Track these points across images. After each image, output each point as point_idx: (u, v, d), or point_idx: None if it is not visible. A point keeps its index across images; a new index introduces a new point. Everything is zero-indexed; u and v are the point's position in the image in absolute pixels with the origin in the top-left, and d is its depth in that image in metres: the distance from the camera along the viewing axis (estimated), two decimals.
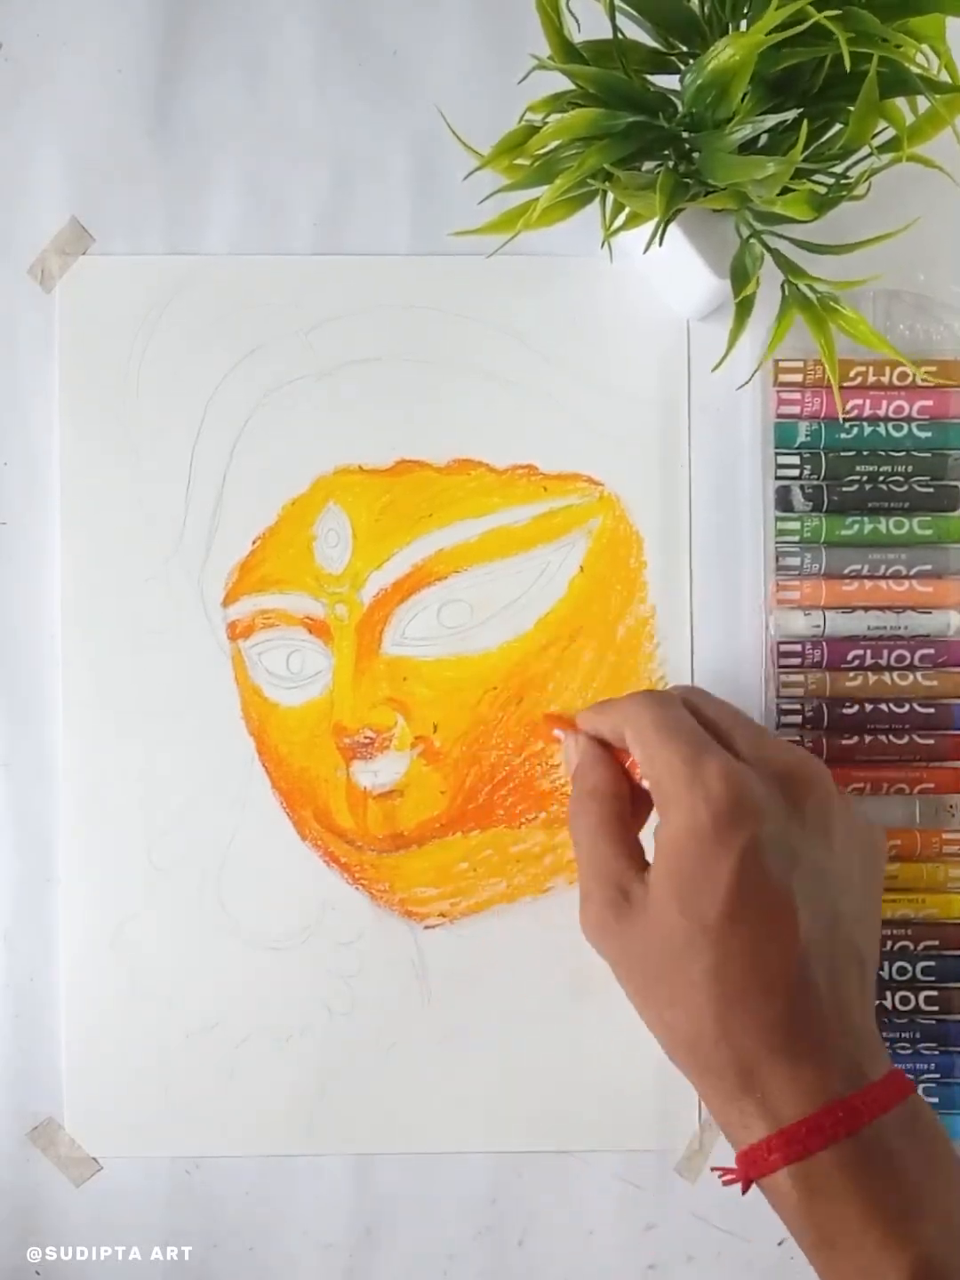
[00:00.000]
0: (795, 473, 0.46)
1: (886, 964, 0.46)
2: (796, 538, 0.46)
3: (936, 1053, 0.46)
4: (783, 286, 0.40)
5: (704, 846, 0.34)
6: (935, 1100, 0.45)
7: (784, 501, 0.46)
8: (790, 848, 0.35)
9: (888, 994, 0.46)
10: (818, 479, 0.46)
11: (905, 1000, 0.46)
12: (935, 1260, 0.31)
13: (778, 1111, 0.33)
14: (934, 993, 0.45)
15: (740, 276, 0.39)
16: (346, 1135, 0.47)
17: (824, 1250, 0.33)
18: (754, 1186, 0.34)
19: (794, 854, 0.35)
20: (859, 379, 0.46)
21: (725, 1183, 0.34)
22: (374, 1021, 0.47)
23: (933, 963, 0.46)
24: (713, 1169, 0.35)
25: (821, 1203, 0.32)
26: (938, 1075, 0.45)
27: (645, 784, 0.38)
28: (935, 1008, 0.46)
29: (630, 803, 0.39)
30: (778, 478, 0.47)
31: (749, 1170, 0.33)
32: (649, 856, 0.37)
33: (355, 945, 0.47)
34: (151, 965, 0.47)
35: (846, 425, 0.46)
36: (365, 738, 0.47)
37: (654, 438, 0.47)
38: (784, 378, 0.46)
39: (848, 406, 0.46)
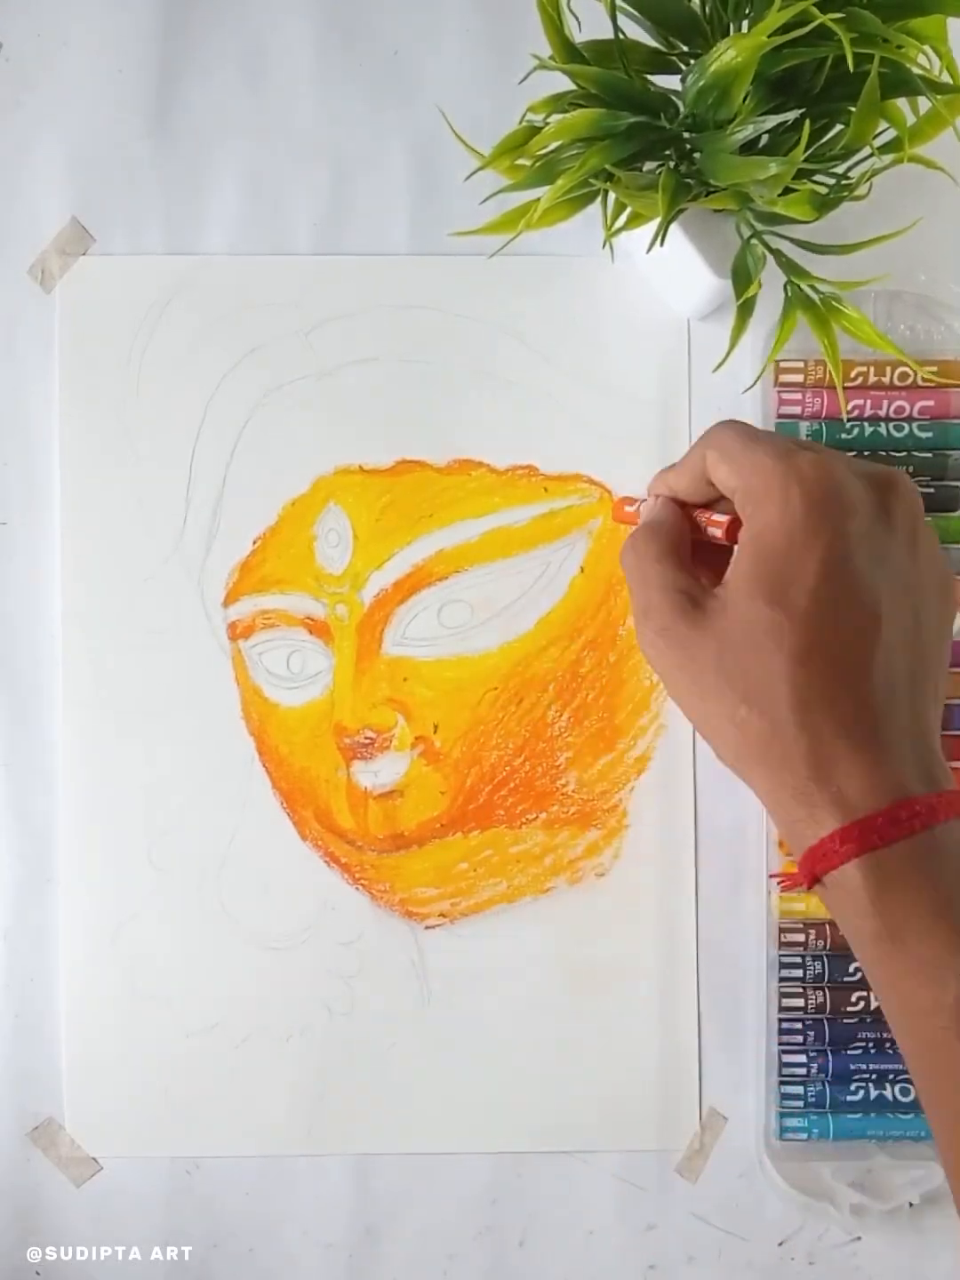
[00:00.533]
0: None
1: None
2: None
3: None
4: (785, 287, 0.40)
5: (795, 535, 0.33)
6: None
7: None
8: (880, 547, 0.34)
9: None
10: None
11: None
12: None
13: (853, 803, 0.32)
14: None
15: (742, 277, 0.39)
16: (347, 1135, 0.47)
17: (887, 943, 0.32)
18: (812, 889, 0.34)
19: (883, 554, 0.34)
20: (860, 379, 0.46)
21: (784, 888, 0.34)
22: (374, 1022, 0.47)
23: None
24: (771, 875, 0.35)
25: (893, 894, 0.32)
26: None
27: (716, 520, 0.38)
28: None
29: (693, 552, 0.38)
30: None
31: (816, 865, 0.32)
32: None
33: (355, 945, 0.47)
34: (152, 965, 0.47)
35: (848, 425, 0.46)
36: (366, 738, 0.47)
37: (655, 438, 0.47)
38: (785, 378, 0.46)
39: (849, 407, 0.46)
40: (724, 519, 0.38)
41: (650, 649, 0.36)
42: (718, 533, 0.38)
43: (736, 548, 0.36)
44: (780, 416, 0.47)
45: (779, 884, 0.34)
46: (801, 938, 0.46)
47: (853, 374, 0.46)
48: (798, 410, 0.46)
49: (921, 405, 0.46)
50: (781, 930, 0.46)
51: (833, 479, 0.34)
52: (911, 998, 0.32)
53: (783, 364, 0.46)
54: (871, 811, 0.32)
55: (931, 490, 0.46)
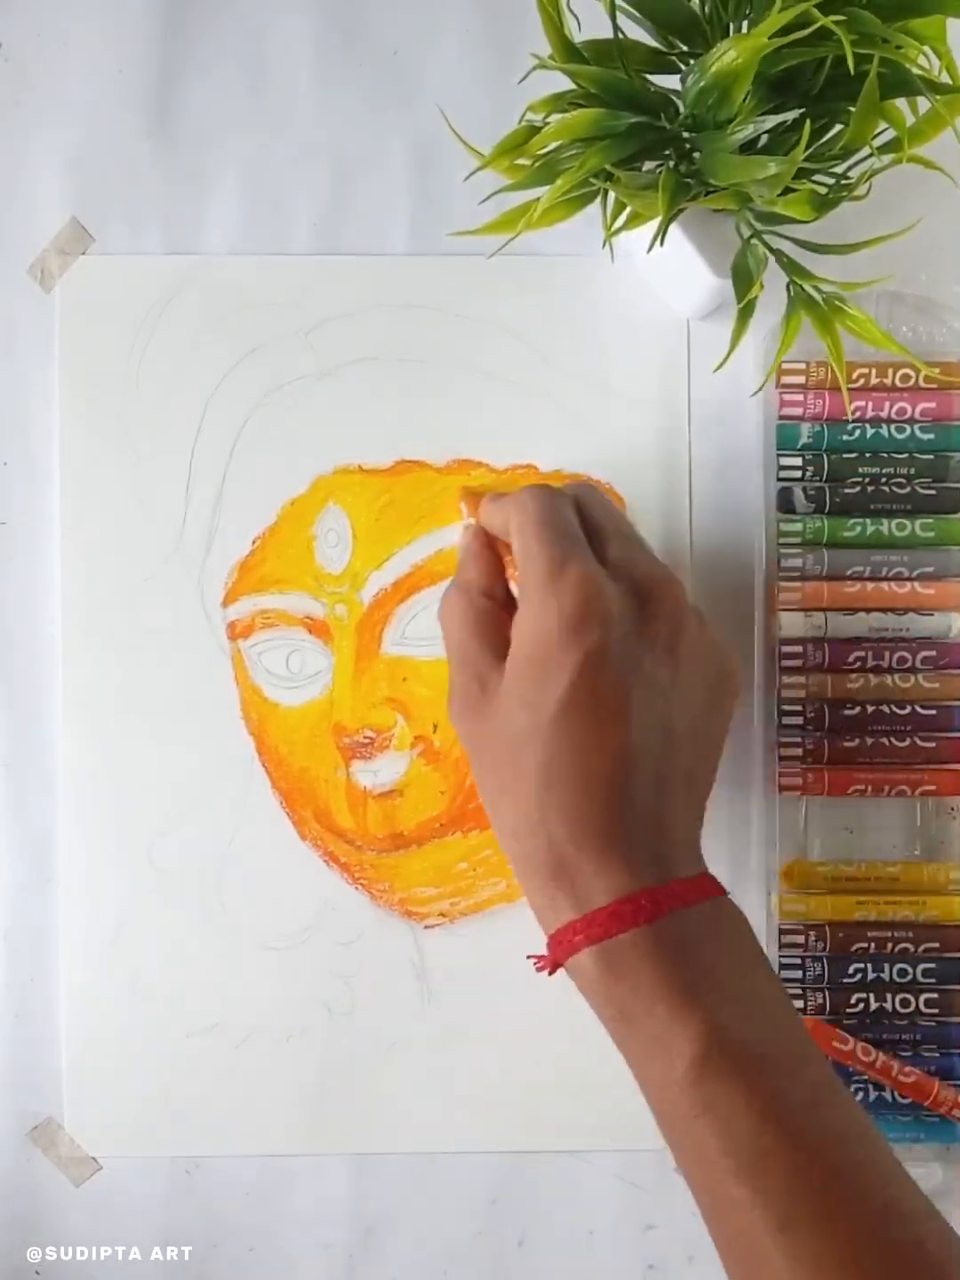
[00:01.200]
0: (797, 474, 0.46)
1: (887, 966, 0.45)
2: (798, 539, 0.46)
3: (936, 1055, 0.45)
4: (788, 288, 0.40)
5: (550, 647, 0.36)
6: None
7: (786, 503, 0.46)
8: (633, 658, 0.36)
9: (888, 995, 0.45)
10: (820, 480, 0.46)
11: (905, 1003, 0.45)
12: (721, 1026, 0.33)
13: (585, 898, 0.35)
14: (934, 995, 0.45)
15: (743, 278, 0.39)
16: (346, 1135, 0.47)
17: (621, 1023, 0.35)
18: (560, 970, 0.36)
19: (635, 665, 0.36)
20: (862, 381, 0.46)
21: (537, 969, 0.36)
22: (374, 1021, 0.47)
23: (933, 965, 0.45)
24: (527, 956, 0.37)
25: (619, 979, 0.34)
26: (938, 1076, 0.45)
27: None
28: (935, 1010, 0.45)
29: (504, 601, 0.40)
30: (780, 479, 0.47)
31: (557, 953, 0.35)
32: None
33: (355, 945, 0.47)
34: (151, 965, 0.47)
35: (849, 427, 0.46)
36: (365, 737, 0.47)
37: (654, 438, 0.47)
38: (786, 379, 0.46)
39: (850, 407, 0.46)
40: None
41: (452, 722, 0.39)
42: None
43: (512, 631, 0.38)
44: (782, 418, 0.46)
45: (534, 965, 0.36)
46: (801, 939, 0.46)
47: (854, 376, 0.46)
48: (799, 411, 0.46)
49: (923, 407, 0.46)
50: (782, 931, 0.46)
51: (590, 597, 0.36)
52: (648, 1072, 0.35)
53: (784, 365, 0.46)
54: (597, 908, 0.34)
55: (932, 492, 0.46)
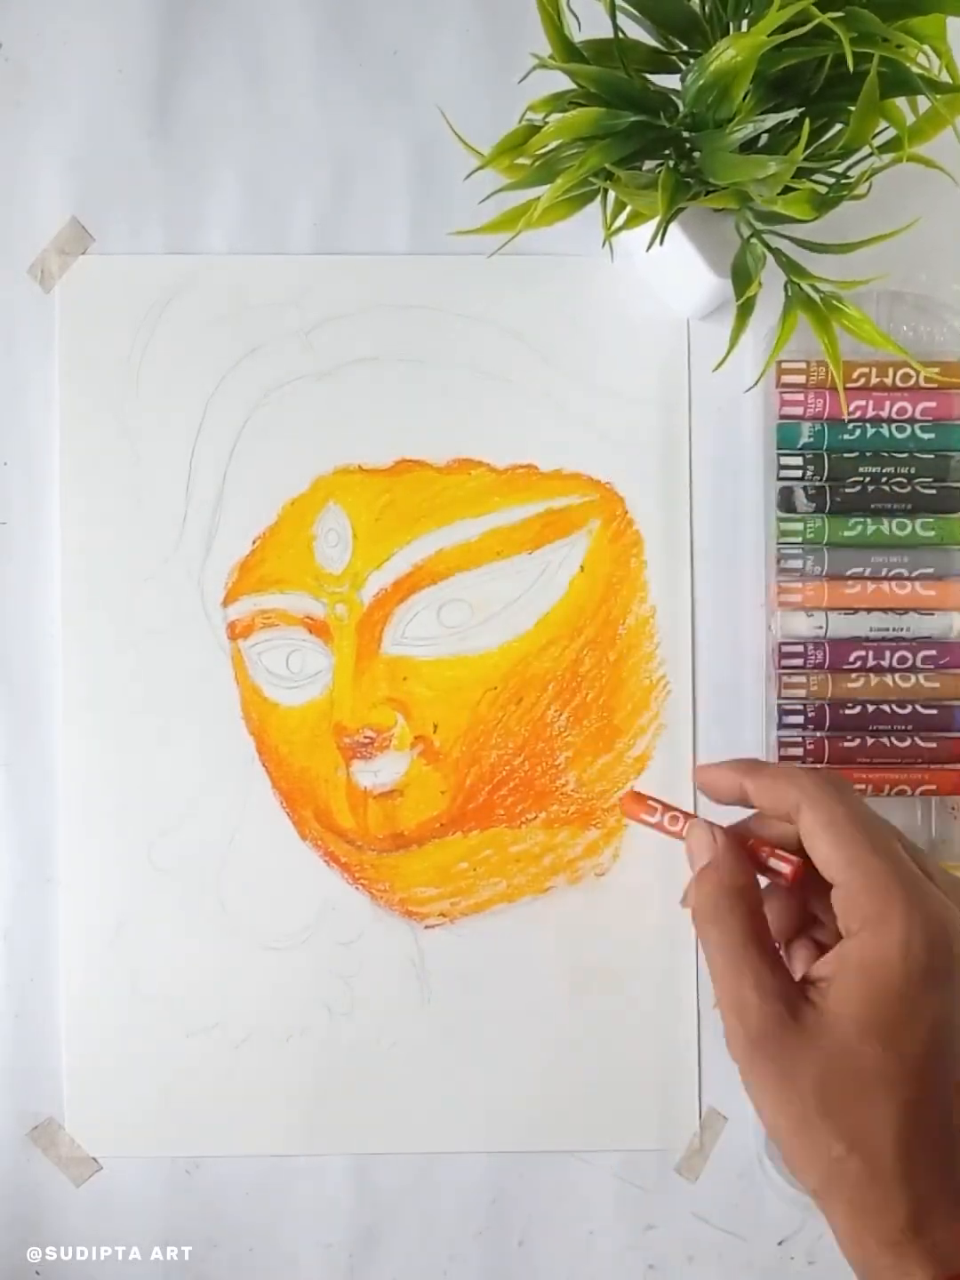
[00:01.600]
0: (798, 474, 0.46)
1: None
2: (799, 539, 0.46)
3: None
4: (786, 287, 0.40)
5: (913, 982, 0.33)
6: None
7: (786, 502, 0.46)
8: None
9: None
10: (820, 480, 0.46)
11: None
12: None
13: (950, 1258, 0.32)
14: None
15: (742, 277, 0.39)
16: (346, 1135, 0.47)
17: None
18: None
19: None
20: (862, 380, 0.46)
21: None
22: (374, 1021, 0.47)
23: None
24: None
25: None
26: None
27: (783, 859, 0.37)
28: None
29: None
30: (780, 479, 0.47)
31: None
32: None
33: (355, 945, 0.47)
34: (152, 965, 0.47)
35: (849, 426, 0.46)
36: (365, 737, 0.47)
37: (655, 437, 0.47)
38: (786, 379, 0.46)
39: (850, 408, 0.46)
40: (794, 861, 0.37)
41: (740, 1056, 0.35)
42: (783, 873, 0.37)
43: (840, 960, 0.34)
44: (782, 417, 0.47)
45: None
46: None
47: (854, 375, 0.46)
48: (799, 411, 0.46)
49: (923, 406, 0.46)
50: None
51: (947, 925, 0.33)
52: None
53: (784, 365, 0.46)
54: None
55: (933, 492, 0.46)
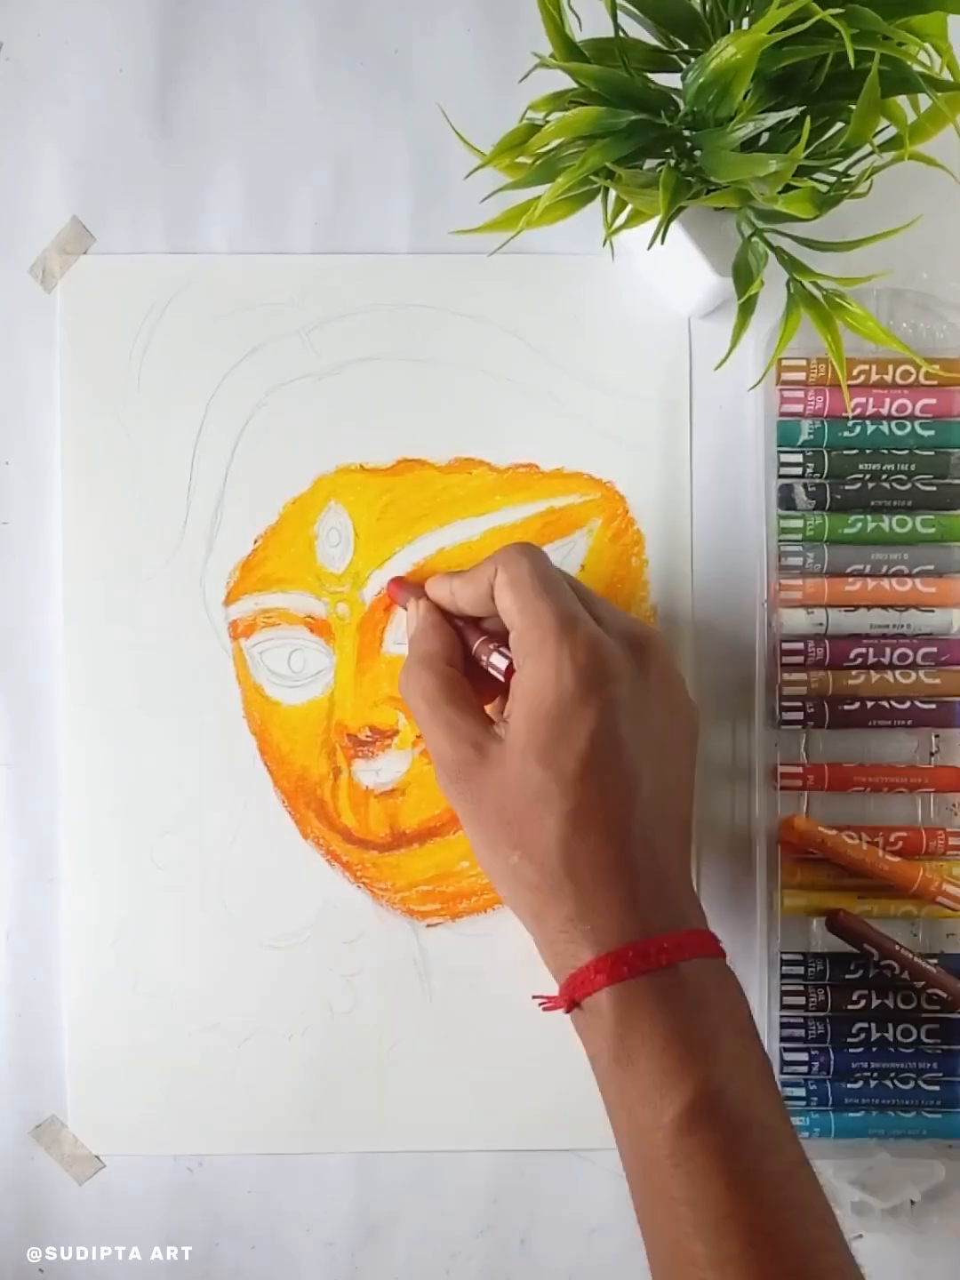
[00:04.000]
0: (798, 471, 0.46)
1: (891, 964, 0.45)
2: (799, 536, 0.46)
3: (937, 1050, 0.46)
4: (788, 285, 0.40)
5: (566, 704, 0.37)
6: (938, 1100, 0.45)
7: (787, 499, 0.46)
8: (639, 711, 0.38)
9: (890, 993, 0.46)
10: (820, 477, 0.46)
11: (908, 999, 0.46)
12: (715, 1083, 0.34)
13: (605, 940, 0.36)
14: (937, 991, 0.45)
15: (743, 276, 0.39)
16: (349, 1134, 0.47)
17: (618, 1066, 0.35)
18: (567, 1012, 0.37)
19: (642, 717, 0.38)
20: (862, 377, 0.46)
21: (545, 1009, 0.37)
22: (376, 1020, 0.47)
23: (934, 960, 0.45)
24: (533, 997, 0.38)
25: (634, 1019, 0.35)
26: (940, 1074, 0.45)
27: (495, 661, 0.40)
28: (937, 1007, 0.46)
29: (464, 668, 0.41)
30: (780, 476, 0.47)
31: (574, 990, 0.36)
32: None
33: (357, 944, 0.47)
34: (154, 964, 0.47)
35: (849, 423, 0.46)
36: (367, 737, 0.47)
37: (655, 436, 0.47)
38: (787, 376, 0.46)
39: (851, 404, 0.46)
40: (504, 662, 0.40)
41: (446, 792, 0.40)
42: (496, 673, 0.41)
43: (511, 695, 0.38)
44: (782, 414, 0.47)
45: (541, 1004, 0.38)
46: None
47: (855, 372, 0.46)
48: (800, 408, 0.46)
49: (923, 404, 0.46)
50: (783, 925, 0.46)
51: (600, 652, 0.37)
52: (636, 1117, 0.35)
53: (785, 362, 0.46)
54: (622, 947, 0.35)
55: (934, 488, 0.46)
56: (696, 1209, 0.33)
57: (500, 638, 0.41)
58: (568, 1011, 0.37)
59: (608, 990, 0.35)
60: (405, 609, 0.45)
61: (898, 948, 0.44)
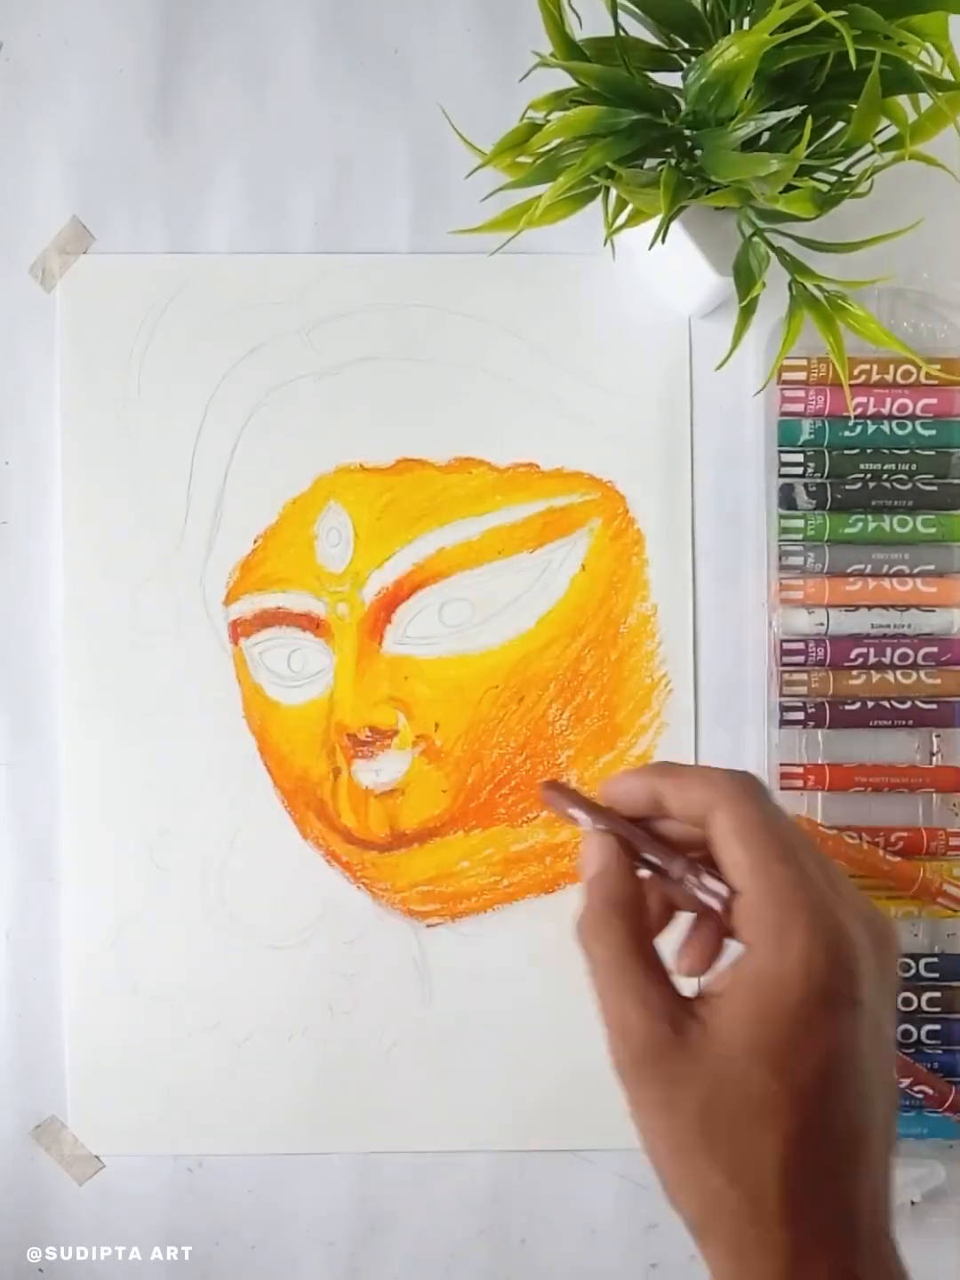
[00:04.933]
0: (799, 470, 0.46)
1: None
2: (800, 536, 0.46)
3: (939, 1051, 0.46)
4: (790, 286, 0.40)
5: (811, 1006, 0.30)
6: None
7: (787, 499, 0.46)
8: (877, 1022, 0.31)
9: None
10: (821, 477, 0.46)
11: (908, 1001, 0.45)
12: None
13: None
14: (937, 993, 0.45)
15: (745, 277, 0.39)
16: (348, 1134, 0.47)
17: None
18: None
19: (878, 1030, 0.31)
20: (863, 377, 0.46)
21: None
22: (376, 1020, 0.47)
23: (936, 960, 0.46)
24: None
25: None
26: (940, 1073, 0.45)
27: (711, 886, 0.32)
28: (937, 1008, 0.46)
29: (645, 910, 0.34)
30: (781, 475, 0.47)
31: None
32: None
33: (357, 944, 0.47)
34: (154, 964, 0.46)
35: (850, 423, 0.46)
36: (367, 736, 0.47)
37: (656, 436, 0.47)
38: (788, 376, 0.46)
39: (852, 404, 0.46)
40: (724, 892, 0.32)
41: (621, 1073, 0.32)
42: (713, 902, 0.32)
43: (736, 975, 0.31)
44: (783, 414, 0.47)
45: None
46: None
47: (856, 372, 0.46)
48: (800, 407, 0.46)
49: (924, 403, 0.46)
50: None
51: (851, 950, 0.31)
52: None
53: (785, 361, 0.46)
54: None
55: (935, 488, 0.46)
56: None
57: (704, 862, 0.33)
58: None
59: None
60: (567, 817, 0.35)
61: (611, 813, 0.35)
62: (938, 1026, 0.46)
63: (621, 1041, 0.32)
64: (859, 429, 0.46)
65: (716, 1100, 0.30)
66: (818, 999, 0.30)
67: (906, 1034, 0.46)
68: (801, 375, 0.46)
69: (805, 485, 0.46)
